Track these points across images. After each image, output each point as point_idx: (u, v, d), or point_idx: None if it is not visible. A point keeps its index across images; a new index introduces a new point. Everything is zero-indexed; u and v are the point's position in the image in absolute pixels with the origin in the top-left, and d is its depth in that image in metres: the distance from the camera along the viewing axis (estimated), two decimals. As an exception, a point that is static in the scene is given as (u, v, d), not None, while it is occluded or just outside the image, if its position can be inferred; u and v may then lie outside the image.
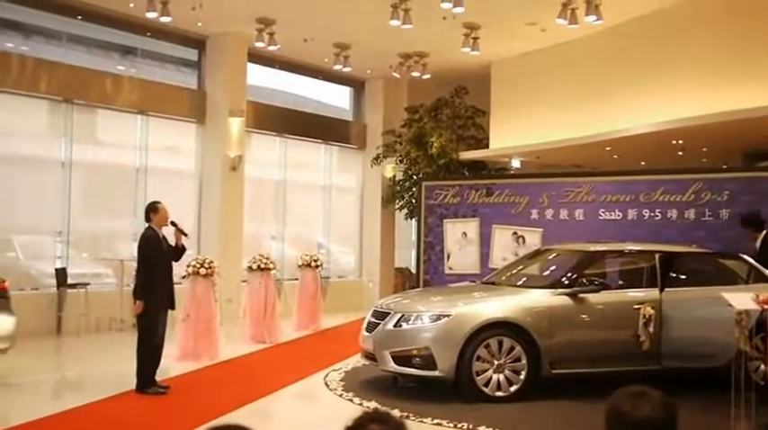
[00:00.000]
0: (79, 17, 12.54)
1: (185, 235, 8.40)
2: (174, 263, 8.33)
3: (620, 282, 8.74)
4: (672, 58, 11.86)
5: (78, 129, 12.51)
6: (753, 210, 9.53)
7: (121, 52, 13.85)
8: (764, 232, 9.21)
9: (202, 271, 9.98)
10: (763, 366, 7.78)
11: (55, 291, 11.84)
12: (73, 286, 11.83)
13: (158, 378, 8.19)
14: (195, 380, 8.78)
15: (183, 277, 10.25)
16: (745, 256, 8.49)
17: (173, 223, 8.24)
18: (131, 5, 11.97)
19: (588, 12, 11.13)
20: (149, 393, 7.87)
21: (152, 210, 8.16)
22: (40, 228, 12.42)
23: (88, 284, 11.97)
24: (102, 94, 12.67)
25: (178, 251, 8.30)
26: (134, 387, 7.94)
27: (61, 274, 11.86)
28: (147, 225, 8.16)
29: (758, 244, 9.16)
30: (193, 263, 10.06)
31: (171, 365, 9.45)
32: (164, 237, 8.21)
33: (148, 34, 13.48)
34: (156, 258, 8.00)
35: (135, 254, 8.32)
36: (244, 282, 12.11)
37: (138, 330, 8.11)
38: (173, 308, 8.31)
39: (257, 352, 10.73)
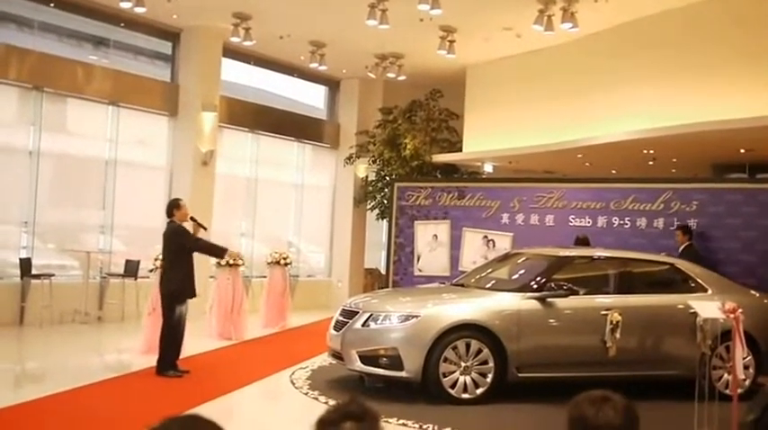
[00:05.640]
0: (51, 5, 12.35)
1: (204, 228, 9.00)
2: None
3: (589, 288, 8.77)
4: (646, 67, 11.96)
5: (48, 118, 12.32)
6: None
7: (94, 42, 13.67)
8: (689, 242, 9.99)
9: (170, 265, 9.85)
10: (726, 375, 7.87)
11: (18, 281, 11.65)
12: (37, 277, 11.64)
13: (118, 372, 8.47)
14: (158, 375, 8.64)
15: (150, 270, 10.16)
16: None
17: (192, 218, 8.79)
18: (106, -5, 11.85)
19: (564, 19, 11.19)
20: (169, 375, 8.33)
21: (175, 206, 8.72)
22: (6, 217, 12.20)
23: (53, 275, 11.79)
24: (72, 83, 12.49)
25: None
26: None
27: (25, 265, 11.67)
28: (168, 220, 8.69)
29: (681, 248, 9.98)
30: (161, 256, 9.94)
31: (134, 359, 9.35)
32: None
33: (122, 25, 13.32)
34: (186, 248, 8.63)
35: (161, 245, 8.90)
36: (212, 277, 12.01)
37: (165, 317, 8.54)
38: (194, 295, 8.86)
39: (223, 348, 10.64)
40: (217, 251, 9.15)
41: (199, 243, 8.83)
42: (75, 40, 13.40)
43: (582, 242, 10.31)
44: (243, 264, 11.81)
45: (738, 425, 6.08)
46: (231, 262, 11.43)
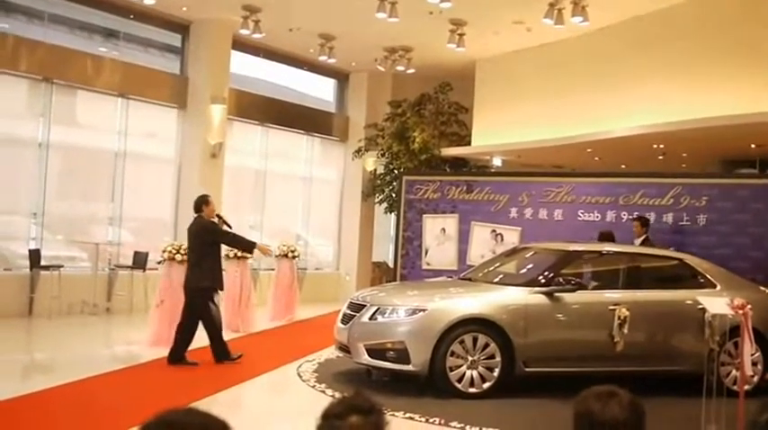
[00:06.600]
0: (62, -4, 12.39)
1: (229, 226, 9.11)
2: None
3: (597, 283, 8.75)
4: (656, 62, 11.91)
5: (57, 110, 12.35)
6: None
7: (104, 34, 13.69)
8: (645, 236, 10.06)
9: (178, 257, 9.88)
10: (734, 371, 7.84)
11: (28, 272, 11.70)
12: (46, 268, 11.69)
13: (127, 363, 8.50)
14: (166, 366, 8.66)
15: (159, 262, 10.19)
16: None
17: (218, 215, 8.96)
18: (116, -14, 11.85)
19: (575, 13, 11.15)
20: (231, 360, 8.72)
21: (204, 202, 8.84)
22: (15, 208, 12.26)
23: (62, 267, 11.84)
24: (82, 75, 12.51)
25: None
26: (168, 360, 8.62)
27: (35, 256, 11.71)
28: (196, 215, 8.82)
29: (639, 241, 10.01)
30: (169, 248, 9.98)
31: (143, 350, 9.38)
32: None
33: (132, 17, 13.34)
34: (216, 242, 8.81)
35: (188, 240, 9.00)
36: (220, 270, 12.01)
37: (200, 311, 8.65)
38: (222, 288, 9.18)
39: (230, 340, 10.58)
40: (246, 244, 9.22)
41: (229, 236, 8.98)
42: (85, 33, 13.42)
43: (606, 237, 10.13)
44: (251, 257, 11.82)
45: (749, 422, 6.04)
46: (239, 254, 11.45)
